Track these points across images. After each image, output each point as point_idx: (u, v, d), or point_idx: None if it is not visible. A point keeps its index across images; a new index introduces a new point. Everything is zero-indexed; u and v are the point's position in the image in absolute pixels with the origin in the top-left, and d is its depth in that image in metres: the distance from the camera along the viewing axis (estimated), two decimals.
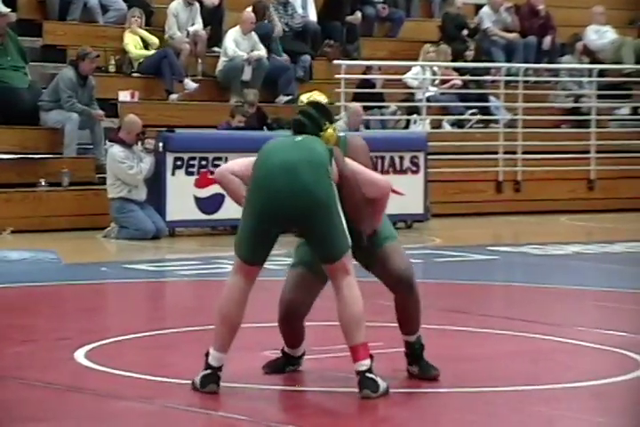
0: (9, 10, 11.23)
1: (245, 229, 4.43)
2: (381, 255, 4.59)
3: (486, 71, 13.86)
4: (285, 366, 4.76)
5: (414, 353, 4.66)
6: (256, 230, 4.40)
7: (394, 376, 4.63)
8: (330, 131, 4.51)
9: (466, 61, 13.93)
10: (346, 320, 4.30)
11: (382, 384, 4.32)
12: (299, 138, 4.48)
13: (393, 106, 13.17)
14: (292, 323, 4.67)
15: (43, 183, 10.66)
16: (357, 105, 11.88)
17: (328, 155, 4.42)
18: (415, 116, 13.00)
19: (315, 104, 4.61)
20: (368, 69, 13.22)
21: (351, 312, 4.30)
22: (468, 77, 13.77)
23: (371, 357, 4.34)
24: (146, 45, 12.55)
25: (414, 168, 11.38)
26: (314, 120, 4.51)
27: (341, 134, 4.66)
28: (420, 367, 4.66)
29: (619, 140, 13.85)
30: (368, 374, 4.26)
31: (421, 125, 12.85)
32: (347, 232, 4.37)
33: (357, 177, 4.42)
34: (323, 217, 4.31)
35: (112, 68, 12.37)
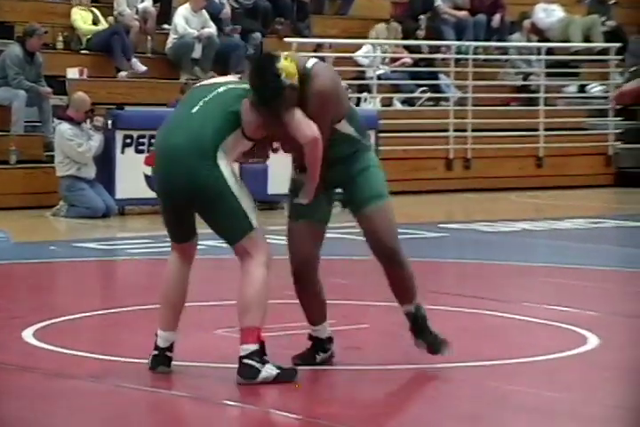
0: None
1: (160, 209, 4.42)
2: (365, 218, 4.37)
3: (436, 49, 13.89)
4: (316, 353, 4.50)
5: (416, 325, 4.48)
6: (164, 210, 4.42)
7: (344, 354, 4.65)
8: (285, 62, 4.18)
9: (417, 39, 13.95)
10: (238, 302, 4.21)
11: (265, 372, 4.12)
12: (196, 108, 4.26)
13: (344, 84, 13.16)
14: (308, 280, 4.42)
15: None
16: None
17: (227, 125, 4.18)
18: (366, 94, 13.00)
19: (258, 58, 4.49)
20: (319, 47, 13.18)
21: (243, 294, 4.19)
22: (418, 55, 13.79)
23: (261, 342, 4.15)
24: (94, 22, 12.41)
25: None
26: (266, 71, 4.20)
27: (309, 65, 4.25)
28: (427, 343, 4.50)
29: (566, 118, 13.98)
30: (245, 360, 4.12)
31: (372, 103, 12.86)
32: (248, 213, 4.20)
33: (289, 125, 4.17)
34: (211, 202, 4.19)
35: (60, 45, 12.22)
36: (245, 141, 4.29)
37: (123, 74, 12.19)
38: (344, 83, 13.02)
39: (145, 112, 10.87)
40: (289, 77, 4.18)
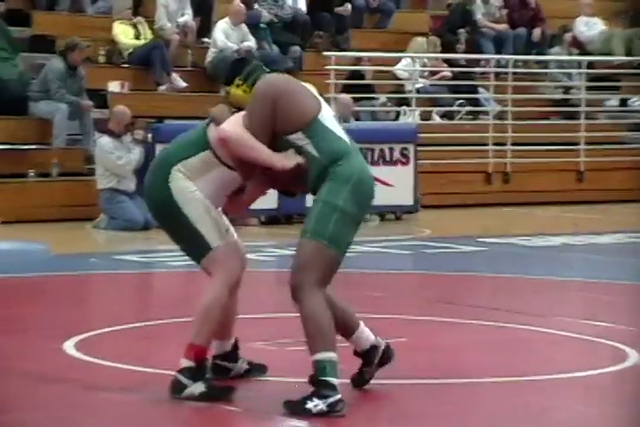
0: None
1: None
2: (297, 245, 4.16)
3: (476, 63, 13.87)
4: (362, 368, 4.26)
5: (312, 378, 4.01)
6: None
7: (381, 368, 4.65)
8: (233, 89, 4.14)
9: (456, 53, 13.94)
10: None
11: (192, 388, 4.03)
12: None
13: (383, 97, 13.18)
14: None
15: (32, 174, 10.65)
16: (347, 96, 11.88)
17: (193, 144, 4.15)
18: (405, 107, 13.00)
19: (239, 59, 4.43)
20: (358, 61, 13.22)
21: (195, 312, 4.18)
22: (457, 69, 13.78)
23: (200, 361, 4.05)
24: (136, 36, 12.53)
25: (404, 160, 11.39)
26: (228, 74, 4.24)
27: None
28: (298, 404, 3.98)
29: (607, 132, 13.89)
30: (177, 374, 4.08)
31: (411, 117, 12.86)
32: (204, 233, 4.12)
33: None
34: (163, 220, 4.22)
35: (102, 59, 12.35)
36: (225, 170, 4.18)
37: (162, 87, 12.29)
38: (383, 96, 13.14)
39: (184, 125, 10.83)
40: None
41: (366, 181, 4.12)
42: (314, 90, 4.26)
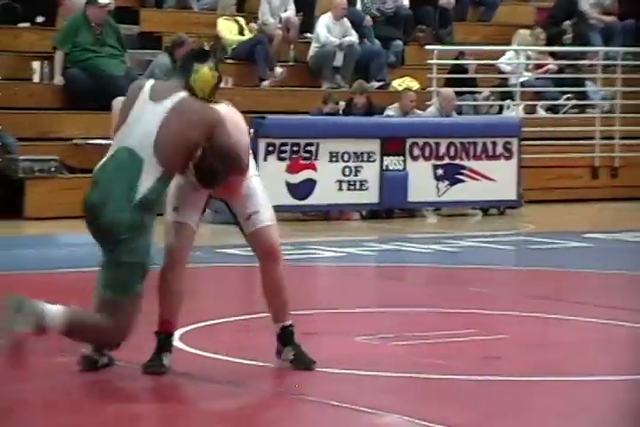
0: (109, 1, 11.40)
1: None
2: None
3: (582, 55, 13.60)
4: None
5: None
6: None
7: (483, 364, 4.60)
8: (203, 70, 4.16)
9: (563, 45, 13.70)
10: None
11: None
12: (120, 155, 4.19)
13: (486, 91, 13.03)
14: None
15: None
16: (450, 90, 11.78)
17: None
18: (509, 101, 12.84)
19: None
20: (461, 54, 13.09)
21: None
22: (563, 62, 13.54)
23: None
24: (239, 32, 12.65)
25: (507, 154, 11.25)
26: (182, 65, 4.23)
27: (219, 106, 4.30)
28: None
29: None
30: None
31: (515, 111, 12.69)
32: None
33: None
34: None
35: None
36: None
37: (265, 83, 12.37)
38: (486, 90, 12.97)
39: (287, 120, 11.00)
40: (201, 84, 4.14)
41: None
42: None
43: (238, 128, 4.33)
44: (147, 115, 4.19)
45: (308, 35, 13.05)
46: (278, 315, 4.49)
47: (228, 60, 12.51)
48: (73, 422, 3.82)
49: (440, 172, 10.97)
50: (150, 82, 4.32)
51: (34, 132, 10.75)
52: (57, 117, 11.00)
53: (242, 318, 5.70)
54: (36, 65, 11.26)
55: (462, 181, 11.03)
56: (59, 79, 11.20)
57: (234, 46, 12.51)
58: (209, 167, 4.18)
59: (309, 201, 10.50)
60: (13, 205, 10.12)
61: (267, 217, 4.44)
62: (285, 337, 4.43)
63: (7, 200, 10.15)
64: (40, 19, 11.83)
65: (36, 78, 11.33)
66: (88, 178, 11.50)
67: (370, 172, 10.67)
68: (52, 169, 10.27)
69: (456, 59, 13.08)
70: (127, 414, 3.96)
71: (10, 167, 10.22)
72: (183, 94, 4.23)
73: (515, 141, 11.27)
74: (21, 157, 10.23)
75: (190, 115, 4.16)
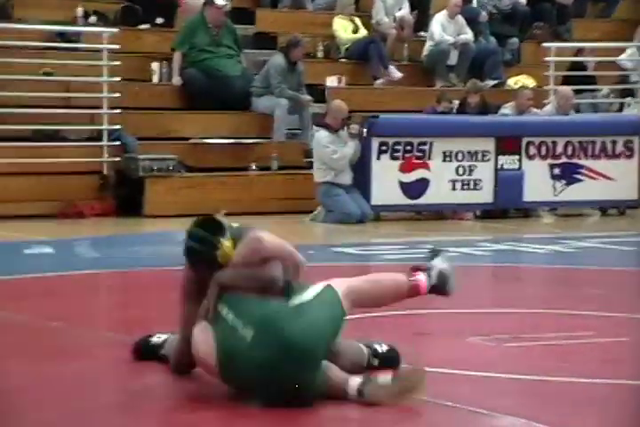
0: (226, 2, 11.57)
1: None
2: None
3: None
4: None
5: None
6: None
7: (602, 367, 4.50)
8: (226, 244, 3.94)
9: None
10: None
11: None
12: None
13: (606, 89, 12.78)
14: None
15: (253, 167, 10.96)
16: (568, 88, 11.58)
17: None
18: (629, 98, 12.56)
19: (201, 223, 4.07)
20: (579, 52, 12.86)
21: None
22: None
23: None
24: (354, 31, 12.67)
25: (628, 153, 11.00)
26: (205, 242, 3.97)
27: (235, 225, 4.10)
28: None
29: None
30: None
31: (636, 108, 12.41)
32: None
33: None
34: None
35: (320, 54, 12.56)
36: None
37: (379, 82, 12.37)
38: (606, 87, 12.69)
39: (400, 119, 10.98)
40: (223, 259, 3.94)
41: None
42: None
43: None
44: None
45: (423, 33, 13.00)
46: None
47: (342, 60, 12.55)
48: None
49: (557, 171, 10.79)
50: None
51: (153, 132, 10.97)
52: (175, 117, 11.21)
53: (353, 317, 5.70)
54: (155, 66, 11.49)
55: (580, 180, 10.84)
56: (177, 80, 11.41)
57: (348, 45, 12.54)
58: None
59: (422, 200, 10.45)
60: (134, 204, 10.36)
61: None
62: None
63: (128, 199, 10.39)
64: (159, 20, 12.07)
65: (155, 79, 11.56)
66: (204, 176, 11.65)
67: (484, 171, 10.57)
68: (171, 168, 10.47)
69: (575, 56, 12.85)
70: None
71: (130, 167, 10.45)
72: None
73: (636, 140, 11.01)
74: (141, 157, 10.46)
75: None
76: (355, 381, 3.85)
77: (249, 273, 3.94)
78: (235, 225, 4.14)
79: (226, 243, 3.95)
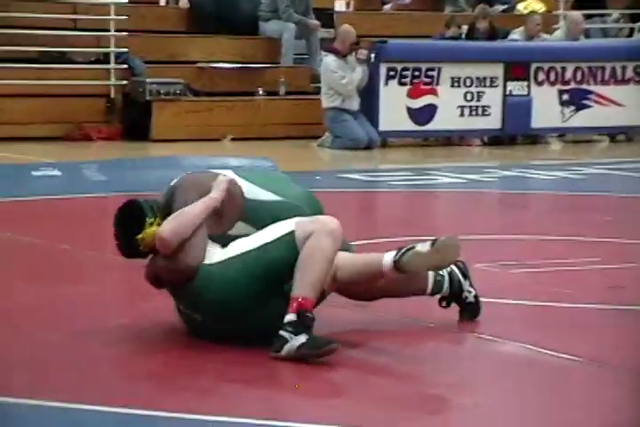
0: None
1: None
2: None
3: None
4: None
5: None
6: None
7: (608, 293, 4.52)
8: (148, 233, 3.75)
9: None
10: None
11: (291, 346, 3.61)
12: None
13: (616, 13, 12.58)
14: None
15: (260, 92, 10.88)
16: (578, 13, 11.42)
17: None
18: None
19: (119, 221, 3.87)
20: None
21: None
22: None
23: (301, 314, 3.62)
24: None
25: (638, 78, 10.90)
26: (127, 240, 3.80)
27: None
28: None
29: None
30: (280, 331, 3.66)
31: None
32: None
33: None
34: None
35: None
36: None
37: (387, 7, 12.19)
38: (616, 12, 12.46)
39: (408, 44, 10.85)
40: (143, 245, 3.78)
41: None
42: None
43: None
44: None
45: None
46: None
47: None
48: None
49: (566, 97, 10.71)
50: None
51: (159, 56, 10.87)
52: (182, 41, 11.10)
53: (358, 243, 5.72)
54: None
55: (589, 106, 10.76)
56: (184, 2, 11.28)
57: None
58: None
59: (430, 126, 10.40)
60: (141, 127, 10.32)
61: None
62: None
63: (135, 122, 10.35)
64: None
65: (162, 1, 11.41)
66: (211, 101, 11.50)
67: (492, 97, 10.49)
68: (178, 92, 10.40)
69: None
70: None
71: (137, 90, 10.38)
72: None
73: None
74: (148, 80, 10.38)
75: None
76: (389, 255, 3.81)
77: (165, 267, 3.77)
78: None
79: (148, 232, 3.76)
